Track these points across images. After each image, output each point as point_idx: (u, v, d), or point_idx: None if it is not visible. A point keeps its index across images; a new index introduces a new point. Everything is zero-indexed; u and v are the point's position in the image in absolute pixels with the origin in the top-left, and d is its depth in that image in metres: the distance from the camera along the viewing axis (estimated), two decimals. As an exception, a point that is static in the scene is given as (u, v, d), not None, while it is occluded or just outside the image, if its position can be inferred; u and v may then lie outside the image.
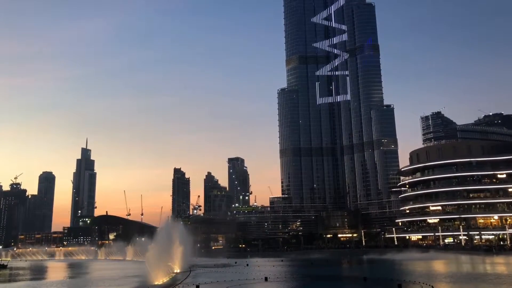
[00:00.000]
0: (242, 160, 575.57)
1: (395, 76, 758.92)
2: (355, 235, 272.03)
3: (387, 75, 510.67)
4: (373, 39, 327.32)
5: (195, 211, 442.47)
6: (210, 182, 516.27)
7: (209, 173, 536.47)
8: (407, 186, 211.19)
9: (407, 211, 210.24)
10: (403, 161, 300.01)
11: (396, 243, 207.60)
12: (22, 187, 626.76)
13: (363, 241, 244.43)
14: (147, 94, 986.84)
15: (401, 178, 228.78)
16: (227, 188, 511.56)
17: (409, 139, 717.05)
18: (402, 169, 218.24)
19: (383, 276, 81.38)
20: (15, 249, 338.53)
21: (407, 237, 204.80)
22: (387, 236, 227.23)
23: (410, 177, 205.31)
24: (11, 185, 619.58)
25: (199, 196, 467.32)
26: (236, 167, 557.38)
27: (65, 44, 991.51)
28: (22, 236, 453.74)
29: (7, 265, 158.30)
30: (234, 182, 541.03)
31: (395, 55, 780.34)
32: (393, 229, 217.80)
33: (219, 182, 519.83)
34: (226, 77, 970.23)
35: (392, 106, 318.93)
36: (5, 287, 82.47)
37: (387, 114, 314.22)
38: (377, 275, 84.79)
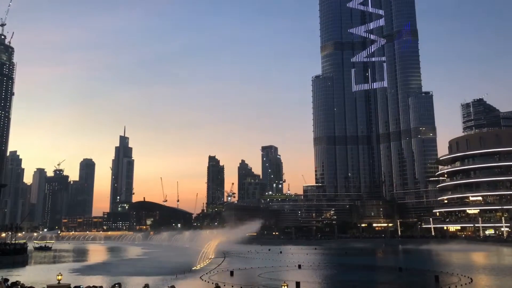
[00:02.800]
0: (276, 148, 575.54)
1: (434, 61, 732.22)
2: (390, 224, 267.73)
3: (426, 60, 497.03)
4: (411, 24, 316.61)
5: (229, 198, 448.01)
6: (244, 170, 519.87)
7: (242, 161, 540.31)
8: (446, 175, 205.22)
9: (446, 201, 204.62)
10: (442, 150, 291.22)
11: (433, 233, 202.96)
12: (65, 173, 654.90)
13: (399, 231, 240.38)
14: (183, 82, 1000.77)
15: (440, 167, 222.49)
16: (261, 176, 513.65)
17: (448, 127, 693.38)
18: (441, 158, 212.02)
19: (419, 267, 79.82)
20: (59, 232, 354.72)
21: (445, 228, 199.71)
22: (424, 226, 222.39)
23: (449, 166, 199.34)
24: (55, 171, 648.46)
25: (233, 183, 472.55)
26: (270, 155, 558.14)
27: (104, 34, 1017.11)
28: (65, 220, 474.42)
29: (51, 247, 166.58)
30: (267, 170, 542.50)
31: (434, 39, 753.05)
32: (430, 219, 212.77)
33: (252, 170, 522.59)
34: (260, 65, 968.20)
35: (431, 93, 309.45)
36: (50, 268, 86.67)
37: (426, 101, 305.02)
38: (413, 266, 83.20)
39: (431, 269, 71.18)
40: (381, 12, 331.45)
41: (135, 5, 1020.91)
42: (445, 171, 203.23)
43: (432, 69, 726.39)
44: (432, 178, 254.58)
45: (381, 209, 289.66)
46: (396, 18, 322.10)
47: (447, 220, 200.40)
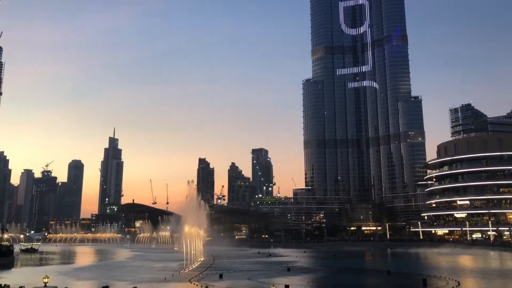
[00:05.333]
0: (266, 151, 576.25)
1: (423, 66, 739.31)
2: (379, 228, 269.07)
3: (415, 65, 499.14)
4: (401, 29, 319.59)
5: (219, 201, 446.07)
6: (234, 172, 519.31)
7: (233, 164, 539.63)
8: (434, 179, 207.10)
9: (434, 205, 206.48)
10: (430, 154, 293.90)
11: (421, 237, 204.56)
12: (53, 174, 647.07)
13: (388, 235, 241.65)
14: (174, 84, 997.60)
15: (428, 171, 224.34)
16: (251, 179, 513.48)
17: (437, 131, 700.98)
18: (429, 162, 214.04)
19: (408, 270, 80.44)
20: (46, 234, 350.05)
21: (433, 232, 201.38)
22: (412, 230, 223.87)
23: (437, 171, 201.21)
24: (43, 172, 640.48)
25: (223, 186, 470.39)
26: (260, 158, 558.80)
27: (94, 33, 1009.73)
28: (53, 222, 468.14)
29: (37, 249, 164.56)
30: (257, 173, 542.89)
31: (423, 44, 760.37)
32: (419, 223, 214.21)
33: (242, 173, 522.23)
34: (251, 67, 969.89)
35: (420, 97, 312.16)
36: (37, 271, 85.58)
37: (415, 105, 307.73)
38: (402, 269, 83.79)
39: (419, 272, 71.75)
40: (371, 17, 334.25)
41: (126, 4, 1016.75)
42: (434, 175, 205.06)
43: (422, 74, 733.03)
44: (421, 182, 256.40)
45: (370, 212, 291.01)
46: (386, 23, 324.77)
47: (435, 223, 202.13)
